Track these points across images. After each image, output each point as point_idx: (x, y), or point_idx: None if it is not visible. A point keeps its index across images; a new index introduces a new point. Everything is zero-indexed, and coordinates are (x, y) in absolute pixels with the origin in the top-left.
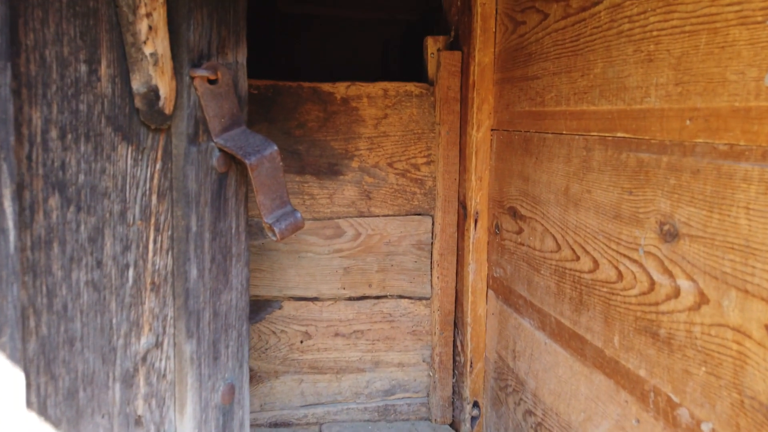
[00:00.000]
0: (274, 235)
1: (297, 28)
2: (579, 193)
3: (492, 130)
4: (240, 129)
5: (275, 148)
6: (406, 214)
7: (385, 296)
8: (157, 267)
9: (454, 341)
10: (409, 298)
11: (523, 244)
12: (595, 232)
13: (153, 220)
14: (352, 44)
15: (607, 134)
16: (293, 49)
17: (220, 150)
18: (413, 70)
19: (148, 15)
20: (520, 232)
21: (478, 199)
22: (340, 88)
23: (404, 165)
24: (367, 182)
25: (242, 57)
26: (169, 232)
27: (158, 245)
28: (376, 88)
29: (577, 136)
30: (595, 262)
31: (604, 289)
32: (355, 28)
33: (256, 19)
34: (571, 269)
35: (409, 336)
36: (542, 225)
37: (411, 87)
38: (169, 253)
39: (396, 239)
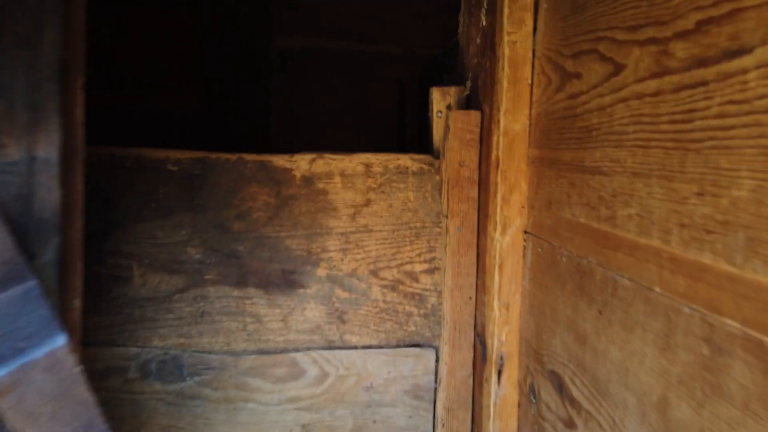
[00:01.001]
0: None
1: (298, 66)
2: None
3: (526, 233)
4: (19, 288)
5: (61, 341)
6: (398, 346)
7: None
8: None
9: None
10: None
11: None
12: None
13: None
14: (363, 84)
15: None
16: (293, 91)
17: None
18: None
19: None
20: (570, 425)
21: (503, 337)
22: (301, 163)
23: (395, 273)
24: (339, 298)
25: (49, 146)
26: None
27: None
28: (354, 162)
29: (687, 310)
30: None
31: None
32: (366, 64)
33: (248, 58)
34: None
35: None
36: None
37: (406, 161)
38: None
39: (381, 383)
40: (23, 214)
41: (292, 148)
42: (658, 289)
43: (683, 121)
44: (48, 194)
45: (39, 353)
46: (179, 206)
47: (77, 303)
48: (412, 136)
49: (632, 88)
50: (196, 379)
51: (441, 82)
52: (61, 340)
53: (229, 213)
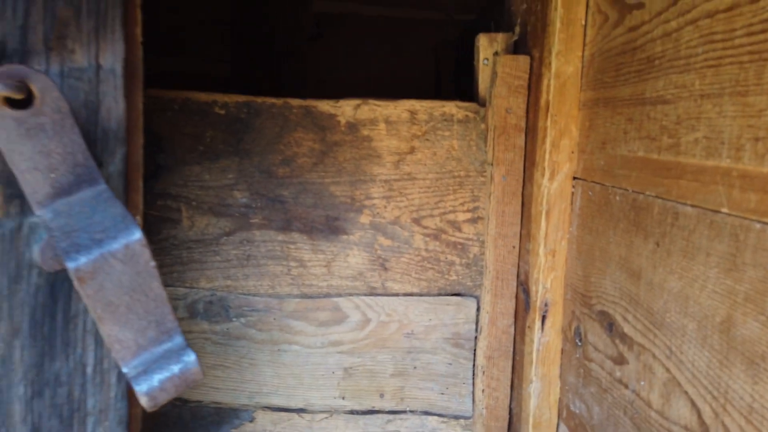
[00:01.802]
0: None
1: (333, 32)
2: (762, 340)
3: (575, 179)
4: (90, 191)
5: (137, 236)
6: (439, 294)
7: (404, 411)
8: None
9: None
10: (440, 415)
11: (624, 385)
12: None
13: None
14: (399, 50)
15: None
16: (327, 56)
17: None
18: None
19: None
20: (620, 362)
21: (548, 284)
22: (346, 109)
23: (438, 222)
24: (381, 245)
25: (113, 57)
26: None
27: None
28: (398, 108)
29: (758, 225)
30: None
31: None
32: (402, 30)
33: (282, 22)
34: None
35: None
36: (666, 369)
37: (451, 108)
38: None
39: (422, 330)
40: (91, 122)
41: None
42: (725, 210)
43: (762, 31)
44: (114, 104)
45: (116, 245)
46: (226, 150)
47: (139, 220)
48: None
49: (703, 7)
50: (242, 320)
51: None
52: (136, 234)
53: (274, 158)
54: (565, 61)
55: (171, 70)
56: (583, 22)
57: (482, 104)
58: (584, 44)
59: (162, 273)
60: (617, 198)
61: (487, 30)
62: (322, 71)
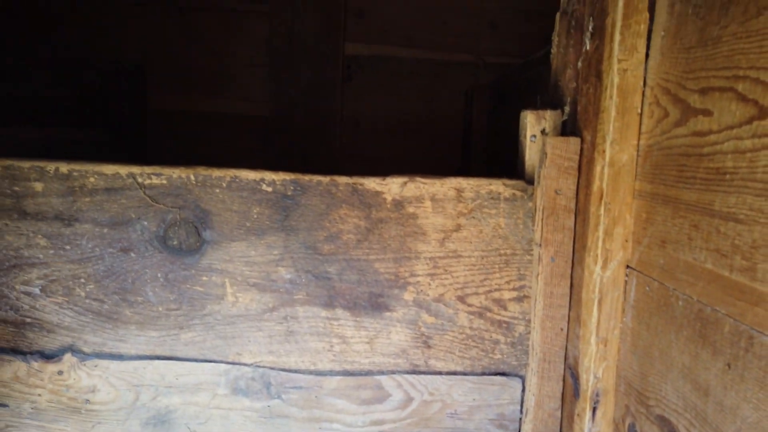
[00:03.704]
0: None
1: (365, 73)
2: None
3: (628, 267)
4: None
5: None
6: (483, 373)
7: None
8: None
9: None
10: None
11: None
12: None
13: None
14: (430, 92)
15: None
16: (359, 99)
17: None
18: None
19: None
20: None
21: (600, 373)
22: (392, 186)
23: (483, 300)
24: (425, 323)
25: None
26: None
27: None
28: (445, 186)
29: None
30: None
31: None
32: (434, 72)
33: (316, 65)
34: None
35: None
36: None
37: (498, 186)
38: None
39: (465, 410)
40: None
41: (358, 155)
42: None
43: None
44: None
45: None
46: (272, 226)
47: None
48: (479, 146)
49: None
50: (284, 397)
51: (516, 95)
52: None
53: (319, 234)
54: (620, 149)
55: (214, 111)
56: (639, 111)
57: (529, 182)
58: (640, 133)
59: (205, 348)
60: (680, 303)
61: (530, 80)
62: (355, 111)
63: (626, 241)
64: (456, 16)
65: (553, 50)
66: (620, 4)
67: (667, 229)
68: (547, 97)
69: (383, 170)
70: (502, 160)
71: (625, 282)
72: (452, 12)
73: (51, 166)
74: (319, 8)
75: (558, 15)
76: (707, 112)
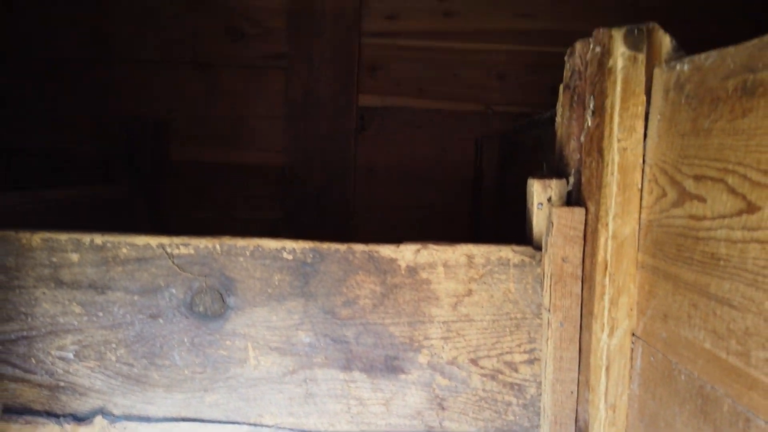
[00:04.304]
0: None
1: (377, 123)
2: None
3: (634, 335)
4: None
5: None
6: None
7: None
8: None
9: None
10: None
11: None
12: None
13: None
14: (441, 140)
15: None
16: (371, 148)
17: None
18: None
19: None
20: None
21: None
22: (406, 253)
23: (495, 363)
24: (439, 385)
25: None
26: None
27: None
28: (457, 253)
29: None
30: None
31: None
32: (444, 121)
33: (331, 117)
34: None
35: None
36: None
37: (508, 253)
38: None
39: None
40: None
41: (372, 202)
42: None
43: None
44: None
45: None
46: (292, 292)
47: None
48: (490, 193)
49: None
50: None
51: (524, 151)
52: None
53: (337, 300)
54: (622, 222)
55: (232, 161)
56: (640, 187)
57: (537, 248)
58: (641, 207)
59: (228, 410)
60: (682, 377)
61: (531, 134)
62: (370, 159)
63: (631, 309)
64: (465, 68)
65: (558, 119)
66: (618, 87)
67: (668, 304)
68: (552, 164)
69: (397, 217)
70: (512, 210)
71: (632, 349)
72: (461, 65)
73: (87, 238)
74: (335, 64)
75: (561, 87)
76: (701, 198)
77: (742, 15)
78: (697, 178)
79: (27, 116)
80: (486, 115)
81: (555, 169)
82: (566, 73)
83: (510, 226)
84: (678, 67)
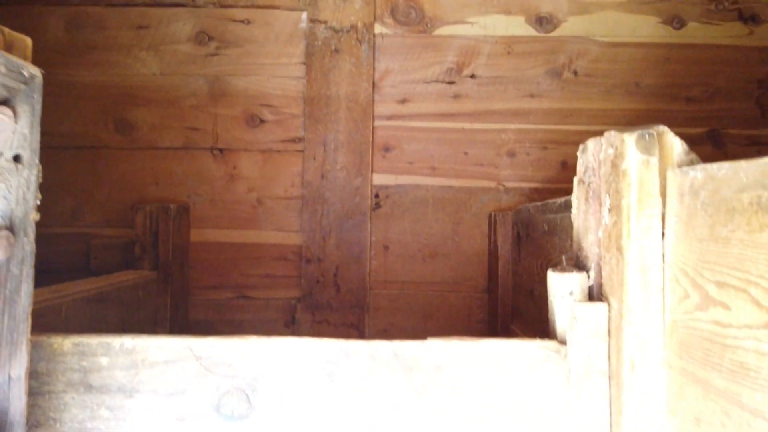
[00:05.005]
0: None
1: (391, 202)
2: None
3: None
4: None
5: None
6: None
7: None
8: None
9: None
10: None
11: None
12: None
13: None
14: (455, 217)
15: None
16: (386, 225)
17: None
18: (531, 274)
19: None
20: None
21: None
22: (431, 350)
23: None
24: None
25: (20, 368)
26: None
27: None
28: (481, 349)
29: None
30: None
31: None
32: (457, 198)
33: (346, 196)
34: None
35: None
36: None
37: (532, 348)
38: None
39: None
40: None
41: (388, 278)
42: None
43: None
44: (19, 402)
45: None
46: (318, 391)
47: None
48: (506, 268)
49: None
50: None
51: (538, 234)
52: None
53: (363, 398)
54: (646, 321)
55: (250, 241)
56: (662, 286)
57: (562, 342)
58: (664, 306)
59: None
60: None
61: (545, 218)
62: (384, 236)
63: (660, 409)
64: (475, 147)
65: (574, 211)
66: (634, 189)
67: (699, 408)
68: (571, 256)
69: (413, 293)
70: (527, 288)
71: None
72: (472, 144)
73: (117, 342)
74: (349, 147)
75: (576, 181)
76: (725, 306)
77: (746, 93)
78: (720, 284)
79: (51, 204)
80: (498, 191)
81: (574, 261)
82: (579, 168)
83: (527, 306)
84: (691, 173)
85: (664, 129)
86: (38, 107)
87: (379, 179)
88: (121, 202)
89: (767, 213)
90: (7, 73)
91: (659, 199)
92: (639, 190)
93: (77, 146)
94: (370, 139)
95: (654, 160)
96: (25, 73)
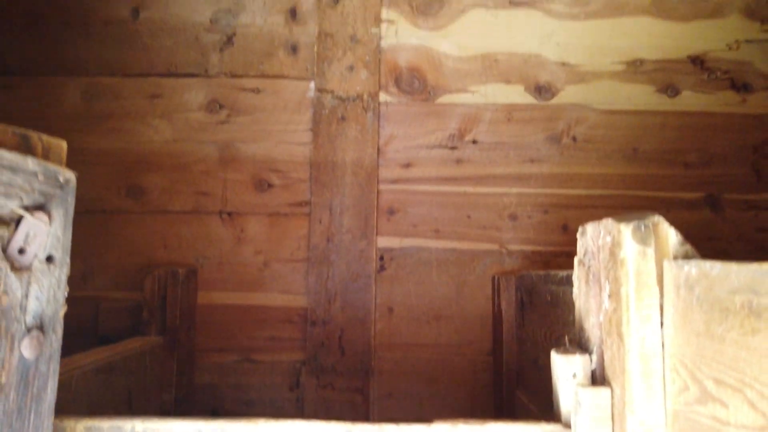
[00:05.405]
0: None
1: (396, 264)
2: None
3: None
4: None
5: None
6: None
7: None
8: None
9: None
10: None
11: None
12: None
13: None
14: (459, 279)
15: None
16: (391, 288)
17: None
18: (534, 342)
19: None
20: None
21: None
22: None
23: None
24: None
25: None
26: None
27: None
28: (486, 431)
29: None
30: None
31: None
32: (460, 261)
33: (351, 259)
34: None
35: None
36: None
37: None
38: None
39: None
40: None
41: (393, 341)
42: None
43: None
44: None
45: None
46: None
47: None
48: (510, 332)
49: None
50: None
51: (540, 303)
52: None
53: None
54: (648, 408)
55: (256, 303)
56: (662, 374)
57: (567, 425)
58: (665, 394)
59: None
60: None
61: (547, 288)
62: (389, 299)
63: None
64: (478, 210)
65: (575, 291)
66: (631, 279)
67: None
68: (573, 335)
69: (417, 357)
70: (532, 356)
71: None
72: (474, 207)
73: (128, 425)
74: (354, 210)
75: (576, 261)
76: (723, 404)
77: (742, 159)
78: (717, 381)
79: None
80: (501, 254)
81: (577, 341)
82: (579, 249)
83: (531, 373)
84: (686, 268)
85: (659, 219)
86: (71, 209)
87: (383, 242)
88: (131, 265)
89: (759, 318)
90: (44, 180)
91: (657, 289)
92: (637, 281)
93: (88, 210)
94: (375, 203)
95: (650, 251)
96: (61, 179)
